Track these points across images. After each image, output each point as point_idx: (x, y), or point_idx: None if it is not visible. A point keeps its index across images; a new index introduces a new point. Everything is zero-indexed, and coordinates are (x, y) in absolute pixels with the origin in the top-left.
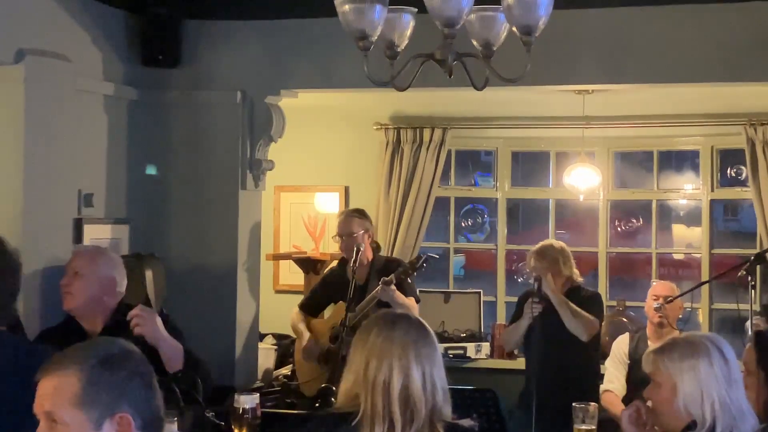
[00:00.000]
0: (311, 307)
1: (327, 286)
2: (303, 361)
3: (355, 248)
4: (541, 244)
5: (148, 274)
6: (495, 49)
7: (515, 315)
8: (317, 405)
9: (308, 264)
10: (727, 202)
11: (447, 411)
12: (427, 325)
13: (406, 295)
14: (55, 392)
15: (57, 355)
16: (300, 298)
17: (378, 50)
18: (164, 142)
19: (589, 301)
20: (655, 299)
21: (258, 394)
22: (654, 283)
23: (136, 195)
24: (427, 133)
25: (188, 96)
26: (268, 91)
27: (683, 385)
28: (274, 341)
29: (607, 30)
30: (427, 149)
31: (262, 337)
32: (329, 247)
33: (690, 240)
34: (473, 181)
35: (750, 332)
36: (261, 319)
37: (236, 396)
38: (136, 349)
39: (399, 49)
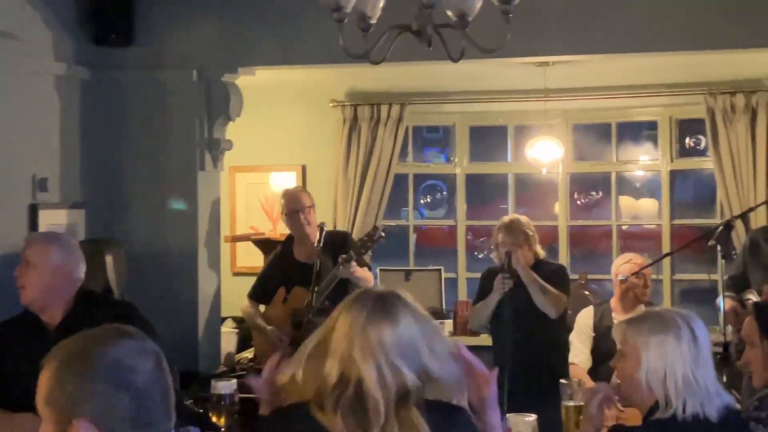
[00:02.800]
0: (261, 295)
1: (274, 269)
2: (267, 351)
3: (319, 227)
4: (508, 218)
5: (109, 260)
6: (470, 19)
7: (480, 292)
8: None
9: (267, 245)
10: (686, 172)
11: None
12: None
13: (361, 266)
14: (38, 386)
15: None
16: None
17: (348, 23)
18: (120, 124)
19: (555, 275)
20: (634, 274)
21: (235, 380)
22: (627, 256)
23: (92, 178)
24: (384, 109)
25: (143, 75)
26: (226, 69)
27: (648, 359)
28: (235, 324)
29: (570, 1)
30: (385, 126)
31: (222, 320)
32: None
33: (637, 212)
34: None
35: (722, 306)
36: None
37: (213, 383)
38: (118, 345)
39: (372, 21)
